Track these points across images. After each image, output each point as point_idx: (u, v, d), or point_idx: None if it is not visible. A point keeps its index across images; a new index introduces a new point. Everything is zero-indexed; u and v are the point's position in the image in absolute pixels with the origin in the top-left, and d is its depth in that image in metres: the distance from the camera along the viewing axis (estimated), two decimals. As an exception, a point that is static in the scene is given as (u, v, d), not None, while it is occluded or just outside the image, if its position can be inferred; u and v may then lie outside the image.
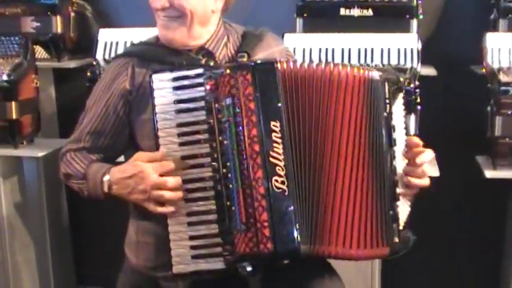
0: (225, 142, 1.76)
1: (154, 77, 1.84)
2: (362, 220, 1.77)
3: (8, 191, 3.45)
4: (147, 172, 1.80)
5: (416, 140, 1.86)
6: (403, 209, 1.83)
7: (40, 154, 3.36)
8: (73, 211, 3.84)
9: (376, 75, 1.78)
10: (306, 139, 1.78)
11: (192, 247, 1.80)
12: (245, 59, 1.97)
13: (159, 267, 1.97)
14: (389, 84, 1.79)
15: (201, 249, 1.80)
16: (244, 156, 1.74)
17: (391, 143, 1.78)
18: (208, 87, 1.79)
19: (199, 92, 1.81)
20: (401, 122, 1.85)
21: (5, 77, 3.20)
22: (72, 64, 3.55)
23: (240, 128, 1.75)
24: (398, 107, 1.84)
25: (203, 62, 1.95)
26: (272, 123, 1.75)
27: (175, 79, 1.83)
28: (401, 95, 1.85)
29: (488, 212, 3.43)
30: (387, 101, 1.78)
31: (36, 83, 3.39)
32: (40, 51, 3.54)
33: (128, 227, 2.11)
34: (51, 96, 3.81)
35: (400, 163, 1.83)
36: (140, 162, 1.83)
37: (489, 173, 2.96)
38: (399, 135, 1.82)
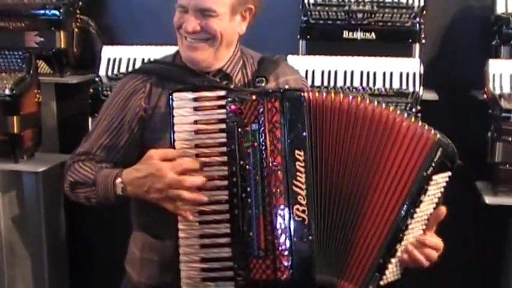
0: (247, 167, 1.74)
1: (175, 95, 1.81)
2: (364, 257, 1.76)
3: (6, 205, 3.44)
4: (164, 170, 1.77)
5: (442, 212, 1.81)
6: (394, 270, 1.80)
7: (40, 169, 3.36)
8: (71, 227, 3.83)
9: (436, 135, 1.75)
10: (329, 170, 1.77)
11: (203, 269, 1.78)
12: (263, 84, 1.97)
13: (163, 287, 1.96)
14: (443, 152, 1.74)
15: (212, 272, 1.78)
16: (267, 183, 1.73)
17: (415, 202, 1.74)
18: (230, 110, 1.77)
19: (220, 114, 1.79)
20: (437, 196, 1.79)
21: (7, 92, 3.21)
22: (74, 80, 3.57)
23: (265, 154, 1.74)
24: (440, 180, 1.78)
25: (224, 83, 1.94)
26: (297, 151, 1.74)
27: (196, 99, 1.80)
28: (449, 173, 1.78)
29: (488, 238, 3.42)
30: (433, 164, 1.74)
31: (39, 98, 3.40)
32: (43, 66, 3.55)
33: (130, 243, 2.09)
34: (52, 111, 3.81)
35: (415, 228, 1.79)
36: (156, 161, 1.80)
37: (489, 199, 2.97)
38: (427, 203, 1.77)
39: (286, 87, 1.90)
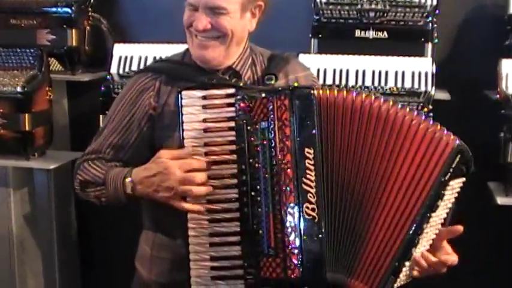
0: (257, 165, 1.74)
1: (184, 93, 1.81)
2: (379, 260, 1.74)
3: (18, 202, 3.46)
4: (173, 168, 1.78)
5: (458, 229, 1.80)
6: (407, 273, 1.78)
7: (51, 166, 3.38)
8: (81, 224, 3.84)
9: (456, 141, 1.73)
10: (340, 169, 1.76)
11: (213, 268, 1.78)
12: (272, 82, 1.95)
13: (172, 285, 1.96)
14: (461, 158, 1.72)
15: (221, 270, 1.78)
16: (277, 181, 1.72)
17: (432, 207, 1.72)
18: (240, 108, 1.78)
19: (229, 112, 1.79)
20: (450, 202, 1.78)
21: (19, 89, 3.23)
22: (86, 77, 3.57)
23: (274, 152, 1.73)
24: (455, 186, 1.77)
25: (233, 81, 1.92)
26: (306, 149, 1.73)
27: (205, 97, 1.81)
28: (463, 179, 1.77)
29: (500, 239, 3.40)
30: (451, 169, 1.72)
31: (50, 96, 3.41)
32: (54, 64, 3.56)
33: (140, 240, 2.10)
34: (64, 108, 3.83)
35: (429, 232, 1.77)
36: (165, 159, 1.80)
37: (501, 200, 2.96)
38: (442, 208, 1.76)
39: (296, 84, 1.90)
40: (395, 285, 1.76)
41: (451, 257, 1.81)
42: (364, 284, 1.76)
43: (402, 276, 1.76)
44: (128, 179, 1.87)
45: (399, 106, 1.76)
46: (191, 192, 1.77)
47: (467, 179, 1.78)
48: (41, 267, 3.61)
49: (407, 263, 1.75)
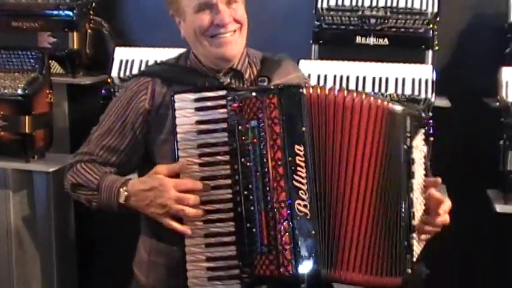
0: (248, 164, 1.75)
1: (177, 97, 1.83)
2: (373, 248, 1.76)
3: (17, 204, 3.46)
4: (168, 186, 1.79)
5: (437, 180, 1.86)
6: (417, 242, 1.81)
7: (51, 169, 3.38)
8: (80, 227, 3.84)
9: (398, 108, 1.79)
10: (327, 164, 1.78)
11: (209, 268, 1.79)
12: (266, 84, 1.97)
13: None
14: (411, 118, 1.79)
15: (218, 271, 1.78)
16: (268, 179, 1.74)
17: (410, 175, 1.77)
18: (231, 109, 1.79)
19: (221, 113, 1.80)
20: (422, 156, 1.84)
21: (20, 91, 3.24)
22: (86, 80, 3.58)
23: (265, 150, 1.75)
24: (418, 142, 1.83)
25: (225, 84, 1.95)
26: (296, 146, 1.75)
27: (198, 100, 1.82)
28: (422, 130, 1.83)
29: (498, 247, 3.40)
30: (408, 134, 1.78)
31: (51, 98, 3.42)
32: (55, 67, 3.57)
33: (138, 245, 2.09)
34: (64, 111, 3.82)
35: (418, 196, 1.82)
36: (161, 176, 1.82)
37: (500, 207, 2.95)
38: (418, 170, 1.81)
39: (285, 85, 1.90)
40: (414, 259, 1.78)
41: (443, 206, 1.84)
42: (359, 273, 1.76)
43: (416, 248, 1.78)
44: (123, 188, 1.88)
45: (371, 98, 1.78)
46: (183, 212, 1.78)
47: (424, 127, 1.83)
48: (39, 269, 3.61)
49: (414, 235, 1.77)
